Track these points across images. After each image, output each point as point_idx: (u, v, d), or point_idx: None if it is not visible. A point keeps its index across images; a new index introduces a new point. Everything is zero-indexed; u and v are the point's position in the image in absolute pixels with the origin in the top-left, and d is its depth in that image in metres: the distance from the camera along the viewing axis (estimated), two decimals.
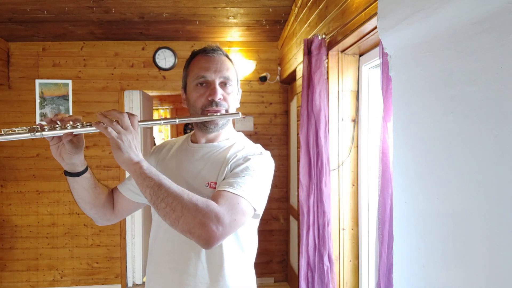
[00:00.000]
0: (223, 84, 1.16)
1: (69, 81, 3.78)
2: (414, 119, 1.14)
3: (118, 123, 0.98)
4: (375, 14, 1.42)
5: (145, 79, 3.86)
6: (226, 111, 1.16)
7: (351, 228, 2.22)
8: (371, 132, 2.10)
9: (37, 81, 3.74)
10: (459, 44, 0.91)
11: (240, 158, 1.12)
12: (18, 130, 0.97)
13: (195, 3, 2.94)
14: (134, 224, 4.00)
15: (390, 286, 1.30)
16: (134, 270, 4.03)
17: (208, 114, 1.12)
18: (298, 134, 2.68)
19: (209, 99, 1.13)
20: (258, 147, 1.20)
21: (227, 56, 1.22)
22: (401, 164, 1.22)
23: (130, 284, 3.99)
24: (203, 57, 1.18)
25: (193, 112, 1.17)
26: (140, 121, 1.03)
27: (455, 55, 0.93)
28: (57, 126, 0.99)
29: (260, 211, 1.11)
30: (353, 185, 2.22)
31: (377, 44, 1.75)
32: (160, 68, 3.84)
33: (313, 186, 2.13)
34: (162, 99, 6.80)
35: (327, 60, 2.18)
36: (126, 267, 3.96)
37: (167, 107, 6.76)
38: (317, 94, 2.10)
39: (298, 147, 2.63)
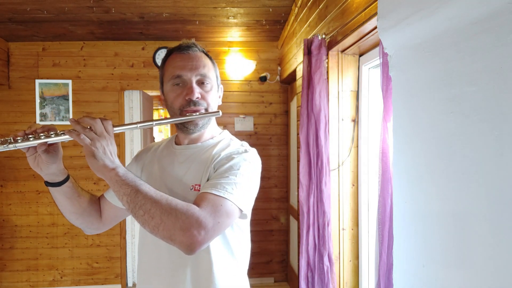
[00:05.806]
0: (201, 82, 1.12)
1: (69, 81, 3.78)
2: (414, 119, 1.14)
3: (91, 129, 0.95)
4: (375, 14, 1.42)
5: (145, 79, 3.86)
6: (206, 110, 1.12)
7: (351, 228, 2.22)
8: (371, 132, 2.09)
9: (37, 81, 3.74)
10: (459, 44, 0.91)
11: (223, 157, 1.09)
12: None
13: (195, 3, 2.94)
14: (134, 223, 3.99)
15: (390, 286, 1.30)
16: (134, 270, 4.03)
17: (187, 114, 1.08)
18: (298, 134, 2.68)
19: (187, 98, 1.09)
20: (244, 144, 1.17)
21: (204, 52, 1.17)
22: (401, 164, 1.22)
23: (130, 284, 3.99)
24: (177, 55, 1.14)
25: (172, 113, 1.14)
26: (114, 126, 1.00)
27: (455, 55, 0.93)
28: (31, 136, 0.97)
29: (248, 211, 1.08)
30: (353, 185, 2.22)
31: (377, 44, 1.75)
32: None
33: (313, 186, 2.13)
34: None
35: (327, 60, 2.18)
36: (126, 267, 3.96)
37: None
38: (317, 94, 2.10)
39: (298, 147, 2.62)
